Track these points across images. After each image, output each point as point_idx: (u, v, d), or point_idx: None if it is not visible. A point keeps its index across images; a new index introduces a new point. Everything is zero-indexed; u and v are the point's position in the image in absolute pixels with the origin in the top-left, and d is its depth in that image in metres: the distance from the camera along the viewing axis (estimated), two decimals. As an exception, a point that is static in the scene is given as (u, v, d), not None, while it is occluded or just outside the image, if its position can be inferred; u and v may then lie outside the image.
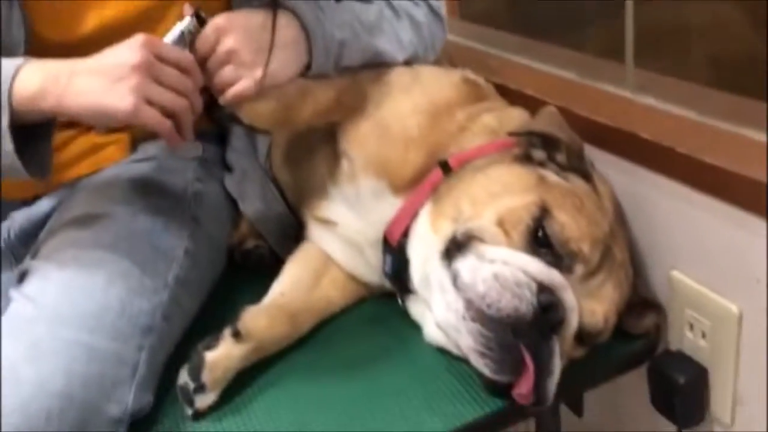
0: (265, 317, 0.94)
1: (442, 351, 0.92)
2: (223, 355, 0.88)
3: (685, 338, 0.91)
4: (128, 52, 0.82)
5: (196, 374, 0.86)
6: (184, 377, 0.87)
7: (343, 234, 1.03)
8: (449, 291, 0.82)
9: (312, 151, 1.10)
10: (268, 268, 1.13)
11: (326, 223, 1.05)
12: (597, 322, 0.82)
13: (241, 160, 1.21)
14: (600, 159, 0.96)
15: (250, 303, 0.98)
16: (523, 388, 0.78)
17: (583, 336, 0.82)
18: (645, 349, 0.91)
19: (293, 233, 1.15)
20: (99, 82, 0.81)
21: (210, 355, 0.88)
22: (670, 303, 0.93)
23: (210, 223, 1.08)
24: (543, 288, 0.78)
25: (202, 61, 0.91)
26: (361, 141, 0.98)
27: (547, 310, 0.77)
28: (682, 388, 0.88)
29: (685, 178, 0.85)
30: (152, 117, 0.83)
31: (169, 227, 1.00)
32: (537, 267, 0.79)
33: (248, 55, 0.89)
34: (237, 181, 1.18)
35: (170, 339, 0.94)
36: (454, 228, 0.85)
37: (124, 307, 0.87)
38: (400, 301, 1.00)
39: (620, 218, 0.91)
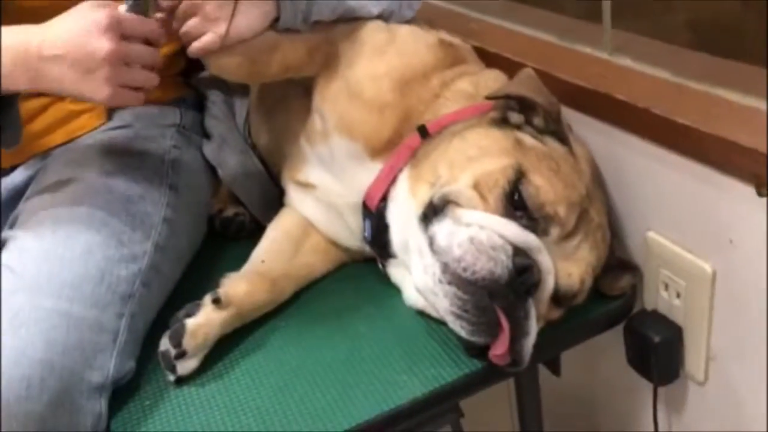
0: (245, 284, 0.94)
1: (421, 314, 0.93)
2: (203, 321, 0.89)
3: (660, 298, 0.92)
4: (96, 39, 0.82)
5: (177, 340, 0.87)
6: (165, 344, 0.87)
7: (322, 198, 1.03)
8: (426, 255, 0.82)
9: (289, 109, 1.09)
10: (248, 235, 1.14)
11: (306, 186, 1.05)
12: (573, 284, 0.83)
13: (220, 127, 1.20)
14: (578, 121, 0.96)
15: (231, 270, 0.99)
16: (499, 349, 0.79)
17: (559, 298, 0.83)
18: (621, 310, 0.92)
19: (274, 200, 1.14)
20: (71, 73, 0.83)
21: (191, 322, 0.88)
22: (646, 263, 0.94)
23: (188, 190, 1.08)
24: (518, 251, 0.79)
25: (169, 14, 0.91)
26: (332, 99, 0.98)
27: (522, 272, 0.78)
28: (657, 347, 0.90)
29: (660, 138, 0.85)
30: (128, 98, 0.88)
31: (147, 195, 1.00)
32: (512, 230, 0.80)
33: (212, 8, 0.88)
34: (215, 148, 1.17)
35: (151, 306, 0.94)
36: (431, 192, 0.86)
37: (104, 275, 0.88)
38: (380, 266, 1.00)
39: (597, 180, 0.91)
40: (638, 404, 1.04)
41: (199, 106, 1.25)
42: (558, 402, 1.17)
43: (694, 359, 0.91)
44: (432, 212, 0.84)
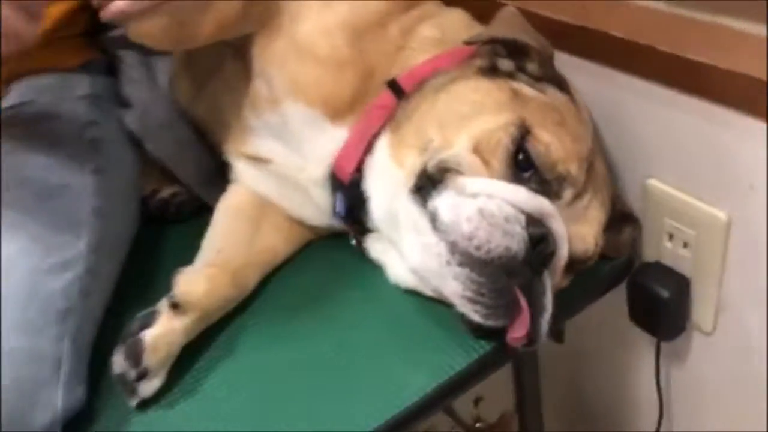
0: (204, 281, 0.81)
1: (411, 293, 0.83)
2: (163, 332, 0.75)
3: (663, 249, 0.86)
4: None
5: (135, 359, 0.73)
6: (120, 364, 0.74)
7: (280, 172, 0.89)
8: (427, 233, 0.71)
9: (223, 75, 0.94)
10: (190, 216, 1.00)
11: (256, 160, 0.91)
12: (588, 248, 0.75)
13: (140, 92, 1.02)
14: (562, 62, 0.86)
15: (178, 261, 0.84)
16: (519, 331, 0.70)
17: (572, 263, 0.75)
18: (625, 266, 0.86)
19: (216, 173, 1.00)
20: None
21: (149, 335, 0.74)
22: (647, 214, 0.87)
23: (117, 172, 0.92)
24: (531, 219, 0.69)
25: None
26: (279, 60, 0.84)
27: (538, 243, 0.69)
28: (665, 301, 0.84)
29: (663, 77, 0.77)
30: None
31: (69, 185, 0.84)
32: (524, 196, 0.70)
33: None
34: (138, 118, 1.00)
35: (94, 318, 0.80)
36: (422, 159, 0.74)
37: (31, 293, 0.72)
38: (354, 242, 0.89)
39: (594, 128, 0.83)
40: (639, 358, 1.00)
41: (111, 70, 1.06)
42: (555, 361, 1.12)
43: (701, 310, 0.86)
44: (428, 183, 0.73)
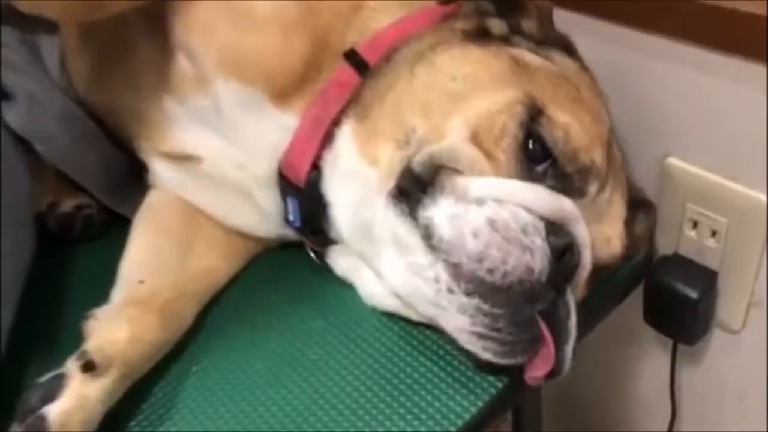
0: (125, 325, 0.62)
1: (392, 318, 0.67)
2: (74, 404, 0.57)
3: (684, 239, 0.72)
4: None
5: (37, 445, 0.54)
6: (17, 454, 0.55)
7: (213, 173, 0.71)
8: (416, 252, 0.55)
9: (134, 52, 0.74)
10: (100, 233, 0.81)
11: (181, 160, 0.72)
12: (615, 252, 0.61)
13: (24, 81, 0.81)
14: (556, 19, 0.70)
15: (89, 298, 0.66)
16: (541, 369, 0.55)
17: (595, 271, 0.60)
18: (643, 263, 0.72)
19: (129, 178, 0.80)
20: None
21: (55, 411, 0.56)
22: (664, 197, 0.73)
23: (-2, 187, 0.71)
24: (552, 226, 0.54)
25: None
26: (205, 27, 0.65)
27: (561, 255, 0.54)
28: (692, 301, 0.70)
29: (685, 31, 0.62)
30: None
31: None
32: (542, 198, 0.54)
33: None
34: (24, 113, 0.79)
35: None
36: (403, 154, 0.58)
37: None
38: (312, 255, 0.72)
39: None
40: (648, 359, 0.87)
41: (-18, 53, 0.84)
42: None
43: (730, 307, 0.73)
44: (414, 186, 0.56)
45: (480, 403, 0.59)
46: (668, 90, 0.67)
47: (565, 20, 0.70)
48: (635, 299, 0.76)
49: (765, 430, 0.80)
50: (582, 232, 0.56)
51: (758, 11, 0.57)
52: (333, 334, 0.67)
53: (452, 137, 0.56)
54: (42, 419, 0.55)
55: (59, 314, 0.71)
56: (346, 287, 0.70)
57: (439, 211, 0.54)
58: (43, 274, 0.73)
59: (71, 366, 0.58)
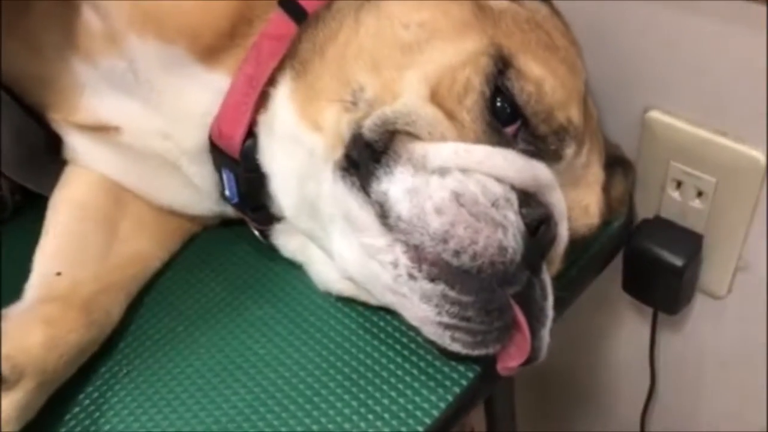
0: (40, 327, 0.54)
1: (347, 302, 0.59)
2: (-18, 423, 0.48)
3: (666, 200, 0.66)
4: None
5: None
6: None
7: (135, 145, 0.62)
8: (372, 231, 0.47)
9: (28, 12, 0.63)
10: (14, 215, 0.72)
11: (97, 130, 0.63)
12: (593, 219, 0.54)
13: None
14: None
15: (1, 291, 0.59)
16: (516, 359, 0.49)
17: (572, 242, 0.53)
18: (622, 229, 0.65)
19: (43, 152, 0.71)
20: None
21: (-45, 433, 0.47)
22: (644, 155, 0.66)
23: None
24: (525, 197, 0.47)
25: None
26: None
27: (536, 230, 0.46)
28: (677, 268, 0.64)
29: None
30: None
31: None
32: (513, 164, 0.47)
33: None
34: None
35: None
36: (351, 117, 0.49)
37: None
38: (257, 233, 0.64)
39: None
40: (626, 327, 0.82)
41: None
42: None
43: (715, 272, 0.68)
44: (365, 154, 0.48)
45: (449, 398, 0.53)
46: (648, 35, 0.60)
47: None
48: (613, 266, 0.70)
49: (747, 399, 0.76)
50: (558, 201, 0.50)
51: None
52: (282, 324, 0.60)
53: (408, 96, 0.48)
54: (-58, 444, 0.47)
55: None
56: (295, 270, 0.63)
57: (396, 185, 0.46)
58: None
59: (-22, 379, 0.50)
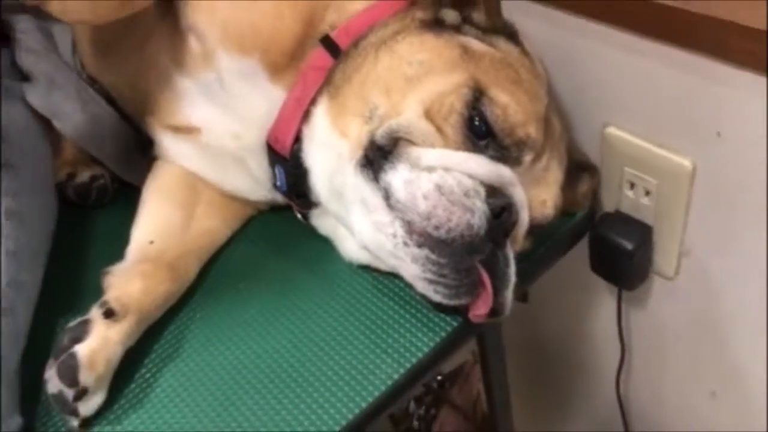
0: (138, 279, 0.73)
1: (365, 270, 0.78)
2: (99, 344, 0.68)
3: (624, 197, 0.82)
4: None
5: (71, 378, 0.66)
6: (55, 383, 0.66)
7: (211, 143, 0.81)
8: (379, 210, 0.65)
9: (145, 38, 0.83)
10: (113, 199, 0.92)
11: (184, 131, 0.82)
12: (548, 213, 0.70)
13: (41, 64, 0.91)
14: (510, 5, 0.79)
15: (107, 256, 0.77)
16: (482, 309, 0.66)
17: (532, 228, 0.70)
18: (587, 219, 0.82)
19: (137, 150, 0.91)
20: None
21: (83, 349, 0.67)
22: (605, 162, 0.83)
23: (28, 161, 0.81)
24: (491, 190, 0.64)
25: None
26: (208, 8, 0.74)
27: (500, 214, 0.64)
28: (629, 251, 0.80)
29: (619, 19, 0.71)
30: None
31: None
32: (483, 166, 0.64)
33: None
34: (44, 93, 0.89)
35: (20, 333, 0.71)
36: (369, 128, 0.67)
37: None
38: (299, 216, 0.82)
39: (547, 76, 0.77)
40: (600, 303, 0.98)
41: (5, 39, 0.93)
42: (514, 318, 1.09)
43: (664, 257, 0.83)
44: (377, 155, 0.66)
45: (437, 339, 0.71)
46: (606, 68, 0.76)
47: (517, 7, 0.80)
48: (585, 253, 0.87)
49: (702, 368, 0.91)
50: (519, 195, 0.66)
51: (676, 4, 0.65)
52: (316, 283, 0.78)
53: (408, 113, 0.65)
54: (73, 356, 0.66)
55: (81, 270, 0.81)
56: (327, 244, 0.81)
57: (397, 177, 0.64)
58: (65, 239, 0.84)
59: (95, 313, 0.69)
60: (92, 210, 0.91)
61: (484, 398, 1.10)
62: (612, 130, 0.79)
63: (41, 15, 0.91)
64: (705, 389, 0.91)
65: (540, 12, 0.78)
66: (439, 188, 0.62)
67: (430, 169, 0.63)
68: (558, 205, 0.71)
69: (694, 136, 0.72)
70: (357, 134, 0.68)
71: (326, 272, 0.79)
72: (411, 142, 0.65)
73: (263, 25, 0.73)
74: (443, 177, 0.62)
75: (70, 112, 0.89)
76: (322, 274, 0.79)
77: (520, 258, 0.73)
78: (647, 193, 0.79)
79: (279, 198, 0.83)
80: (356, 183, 0.68)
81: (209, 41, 0.74)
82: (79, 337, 0.68)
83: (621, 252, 0.81)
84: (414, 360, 0.69)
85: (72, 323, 0.69)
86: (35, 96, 0.88)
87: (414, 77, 0.67)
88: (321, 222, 0.80)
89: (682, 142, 0.73)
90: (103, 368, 0.67)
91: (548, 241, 0.78)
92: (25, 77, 0.90)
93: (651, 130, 0.76)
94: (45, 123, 0.88)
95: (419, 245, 0.63)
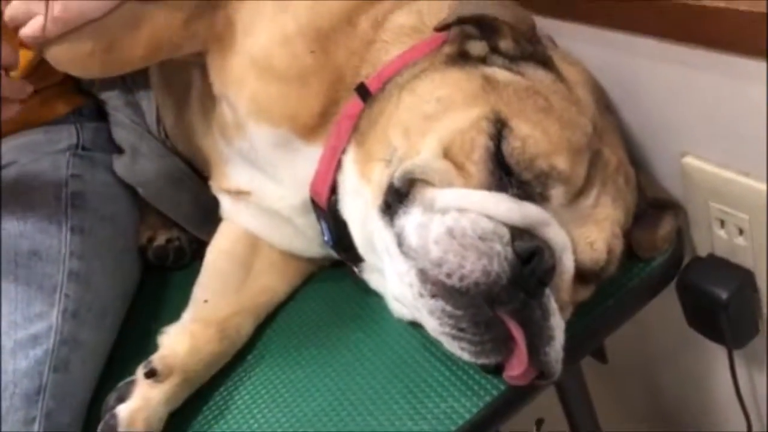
0: (186, 339, 0.73)
1: (415, 326, 0.72)
2: (139, 404, 0.69)
3: (716, 238, 0.70)
4: None
5: (112, 436, 0.66)
6: (100, 441, 0.67)
7: (261, 204, 0.81)
8: (396, 258, 0.60)
9: (193, 98, 0.86)
10: (192, 260, 0.94)
11: (238, 194, 0.83)
12: (599, 255, 0.61)
13: (129, 136, 0.97)
14: (564, 31, 0.72)
15: (175, 318, 0.78)
16: (516, 369, 0.57)
17: (585, 274, 0.61)
18: (670, 264, 0.70)
19: (212, 210, 0.92)
20: None
21: (123, 410, 0.68)
22: (688, 197, 0.71)
23: (101, 227, 0.86)
24: (519, 232, 0.57)
25: None
26: (236, 81, 0.75)
27: (529, 259, 0.56)
28: (726, 302, 0.68)
29: (684, 34, 0.61)
30: None
31: (41, 249, 0.79)
32: (504, 205, 0.57)
33: None
34: (129, 163, 0.95)
35: (77, 388, 0.74)
36: (389, 172, 0.63)
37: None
38: (356, 270, 0.78)
39: (604, 105, 0.69)
40: (711, 368, 0.83)
41: (102, 115, 1.01)
42: (610, 382, 0.97)
43: (774, 306, 0.69)
44: (395, 199, 0.62)
45: (481, 404, 0.63)
46: (678, 92, 0.66)
47: (576, 33, 0.72)
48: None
49: None
50: (557, 236, 0.58)
51: (754, 9, 0.55)
52: (365, 342, 0.74)
53: (424, 153, 0.60)
54: (114, 416, 0.67)
55: (150, 329, 0.84)
56: (379, 299, 0.76)
57: (409, 221, 0.59)
58: (147, 296, 0.88)
59: (139, 373, 0.70)
60: (173, 271, 0.94)
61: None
62: (690, 160, 0.69)
63: (124, 84, 0.98)
64: None
65: (595, 35, 0.70)
66: (450, 231, 0.56)
67: (444, 211, 0.57)
68: (615, 246, 0.62)
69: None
70: (378, 179, 0.64)
71: (375, 328, 0.75)
72: (428, 183, 0.60)
73: (289, 96, 0.72)
74: (456, 219, 0.56)
75: (152, 178, 0.94)
76: (370, 330, 0.75)
77: (581, 312, 0.64)
78: (741, 231, 0.67)
79: (333, 253, 0.80)
80: (379, 230, 0.64)
81: (239, 113, 0.75)
82: (123, 397, 0.69)
83: (714, 302, 0.69)
84: (453, 428, 0.62)
85: (121, 382, 0.71)
86: (121, 167, 0.94)
87: (433, 115, 0.62)
88: (371, 276, 0.76)
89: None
90: (143, 429, 0.67)
91: (619, 292, 0.68)
92: (119, 149, 0.97)
93: (734, 156, 0.64)
94: (133, 192, 0.94)
95: (433, 295, 0.57)
